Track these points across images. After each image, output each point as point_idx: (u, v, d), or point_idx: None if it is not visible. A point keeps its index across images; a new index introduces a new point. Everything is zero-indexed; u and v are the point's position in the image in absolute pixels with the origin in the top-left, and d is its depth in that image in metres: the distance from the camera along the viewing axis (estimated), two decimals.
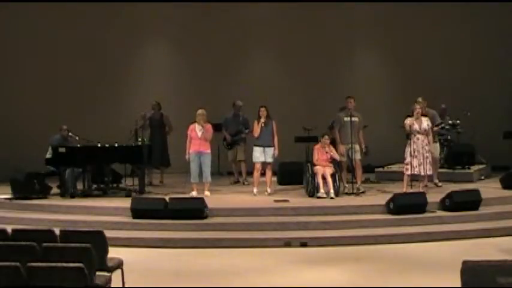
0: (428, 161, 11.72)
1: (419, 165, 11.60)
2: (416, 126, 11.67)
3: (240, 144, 13.94)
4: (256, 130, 12.28)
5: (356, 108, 12.31)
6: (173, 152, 13.62)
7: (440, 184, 12.73)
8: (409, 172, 11.70)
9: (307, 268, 8.65)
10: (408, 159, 11.68)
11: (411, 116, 11.80)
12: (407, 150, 11.72)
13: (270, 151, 12.24)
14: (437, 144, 12.91)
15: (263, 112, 12.24)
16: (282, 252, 9.52)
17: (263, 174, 12.39)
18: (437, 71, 15.74)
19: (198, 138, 12.06)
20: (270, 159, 12.29)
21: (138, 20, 16.01)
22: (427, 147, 11.72)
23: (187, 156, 12.11)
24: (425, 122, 11.78)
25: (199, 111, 12.16)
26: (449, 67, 15.80)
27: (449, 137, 13.95)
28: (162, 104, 14.14)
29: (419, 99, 12.62)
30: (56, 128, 12.85)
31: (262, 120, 12.21)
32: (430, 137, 11.84)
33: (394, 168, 14.04)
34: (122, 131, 13.05)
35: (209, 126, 12.23)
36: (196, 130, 12.10)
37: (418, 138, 11.67)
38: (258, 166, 12.31)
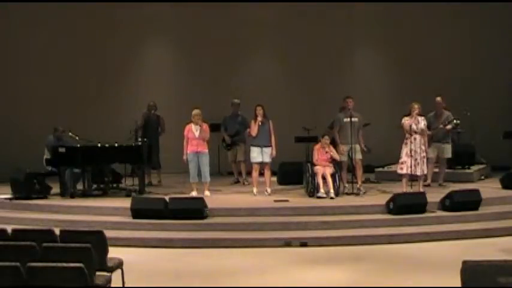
0: (424, 161, 11.73)
1: (416, 165, 11.60)
2: (414, 126, 11.67)
3: (239, 145, 13.92)
4: (254, 129, 12.26)
5: (356, 108, 12.31)
6: (172, 152, 13.60)
7: (444, 184, 12.76)
8: (403, 171, 11.70)
9: (307, 268, 8.65)
10: (404, 158, 11.68)
11: (408, 115, 11.80)
12: (404, 149, 11.72)
13: (268, 151, 12.21)
14: (450, 145, 12.92)
15: (259, 111, 12.20)
16: (282, 252, 9.52)
17: (262, 174, 12.39)
18: (437, 71, 15.70)
19: (195, 139, 12.05)
20: (267, 159, 12.25)
21: (139, 20, 15.98)
22: (423, 147, 11.73)
23: (184, 157, 12.10)
24: (422, 122, 11.78)
25: (195, 111, 12.15)
26: (449, 67, 15.78)
27: None
28: (162, 104, 14.14)
29: (438, 98, 12.71)
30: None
31: (259, 119, 12.19)
32: (426, 137, 11.84)
33: (394, 168, 13.94)
34: (122, 131, 13.05)
35: (206, 126, 12.22)
36: (193, 130, 12.08)
37: (415, 138, 11.67)
38: (256, 166, 12.29)
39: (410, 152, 11.60)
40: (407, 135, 11.68)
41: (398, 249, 9.54)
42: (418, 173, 11.67)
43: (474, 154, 14.33)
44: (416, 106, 11.78)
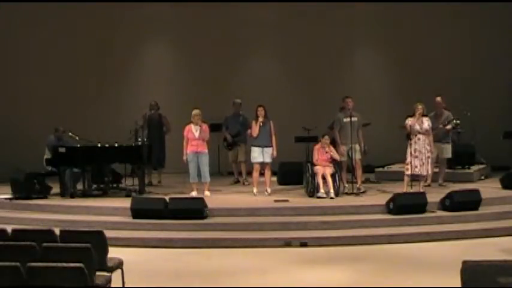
0: (429, 161, 11.75)
1: (422, 165, 11.61)
2: (417, 127, 11.68)
3: (240, 145, 13.93)
4: (255, 130, 12.27)
5: (355, 108, 12.32)
6: (172, 152, 13.60)
7: (444, 184, 12.78)
8: (409, 172, 11.70)
9: (307, 268, 8.65)
10: (409, 159, 11.69)
11: (412, 116, 11.80)
12: (408, 150, 11.73)
13: (269, 151, 12.22)
14: (450, 145, 12.93)
15: (261, 111, 12.22)
16: (282, 252, 9.52)
17: (262, 174, 12.39)
18: (437, 71, 15.71)
19: (195, 139, 12.06)
20: (268, 160, 12.27)
21: (139, 20, 15.99)
22: (428, 147, 11.74)
23: (184, 157, 12.11)
24: (426, 122, 11.78)
25: (195, 111, 12.15)
26: (449, 67, 15.78)
27: None
28: (163, 104, 14.14)
29: (438, 98, 12.73)
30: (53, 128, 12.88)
31: (260, 119, 12.20)
32: (431, 137, 11.85)
33: (394, 168, 14.04)
34: (122, 131, 13.05)
35: (205, 126, 12.23)
36: (193, 131, 12.09)
37: (419, 139, 11.68)
38: (256, 166, 12.30)
39: (415, 152, 11.61)
40: (411, 136, 11.68)
41: (398, 249, 9.54)
42: (424, 173, 11.68)
43: (474, 154, 14.33)
44: (420, 107, 11.79)
